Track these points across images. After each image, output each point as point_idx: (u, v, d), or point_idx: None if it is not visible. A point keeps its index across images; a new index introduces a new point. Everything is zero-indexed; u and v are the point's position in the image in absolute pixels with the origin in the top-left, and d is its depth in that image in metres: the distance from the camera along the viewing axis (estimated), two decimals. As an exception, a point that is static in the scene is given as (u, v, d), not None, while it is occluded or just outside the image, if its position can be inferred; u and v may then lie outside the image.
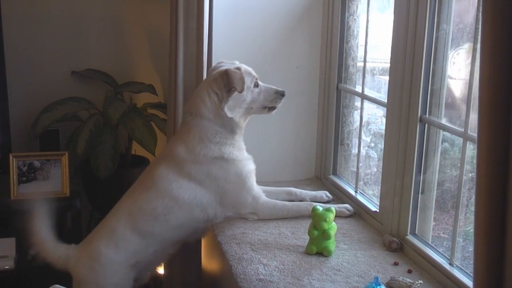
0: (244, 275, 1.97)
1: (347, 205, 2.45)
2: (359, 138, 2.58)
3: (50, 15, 3.53)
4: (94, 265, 2.27)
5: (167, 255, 2.46)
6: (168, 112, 2.91)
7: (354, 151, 2.71)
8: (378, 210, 2.32)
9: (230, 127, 2.30)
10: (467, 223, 1.96)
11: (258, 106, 2.34)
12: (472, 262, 1.28)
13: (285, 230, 2.28)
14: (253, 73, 2.32)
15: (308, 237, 2.10)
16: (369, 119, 2.74)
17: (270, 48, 2.78)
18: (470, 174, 1.89)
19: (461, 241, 1.94)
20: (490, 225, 1.18)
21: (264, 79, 2.38)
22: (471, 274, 1.54)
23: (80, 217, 3.28)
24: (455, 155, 2.05)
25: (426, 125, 2.07)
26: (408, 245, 2.09)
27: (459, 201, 1.88)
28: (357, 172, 2.58)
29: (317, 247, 2.08)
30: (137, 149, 3.54)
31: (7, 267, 2.99)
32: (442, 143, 2.07)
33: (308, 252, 2.09)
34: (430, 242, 2.07)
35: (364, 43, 2.52)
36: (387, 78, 2.25)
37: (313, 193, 2.52)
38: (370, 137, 2.77)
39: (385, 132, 2.27)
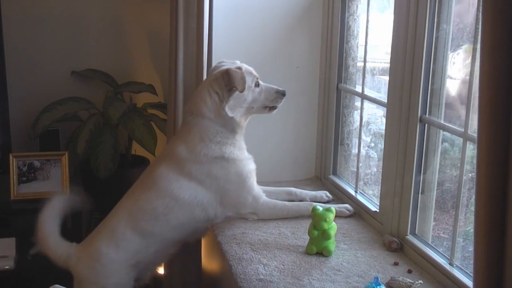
0: (244, 275, 1.97)
1: (347, 205, 2.45)
2: (359, 138, 2.58)
3: (50, 15, 3.53)
4: (95, 265, 2.27)
5: (167, 255, 2.46)
6: (168, 112, 2.91)
7: (354, 151, 2.71)
8: (378, 210, 2.32)
9: (231, 127, 2.30)
10: (467, 223, 1.96)
11: (259, 105, 2.34)
12: (472, 262, 1.28)
13: (285, 230, 2.28)
14: (254, 72, 2.32)
15: (308, 237, 2.10)
16: (369, 119, 2.74)
17: (270, 48, 2.78)
18: (470, 174, 1.89)
19: (461, 241, 1.94)
20: (490, 225, 1.18)
21: (264, 79, 2.38)
22: (471, 274, 1.54)
23: (80, 217, 3.28)
24: (455, 155, 2.05)
25: (426, 125, 2.07)
26: (408, 245, 2.09)
27: (459, 201, 1.88)
28: (357, 172, 2.58)
29: (317, 247, 2.08)
30: (137, 149, 3.54)
31: (7, 267, 2.99)
32: (442, 143, 2.07)
33: (308, 252, 2.09)
34: (430, 242, 2.06)
35: (364, 43, 2.51)
36: (387, 78, 2.25)
37: (313, 193, 2.52)
38: (370, 137, 2.77)
39: (385, 132, 2.27)
